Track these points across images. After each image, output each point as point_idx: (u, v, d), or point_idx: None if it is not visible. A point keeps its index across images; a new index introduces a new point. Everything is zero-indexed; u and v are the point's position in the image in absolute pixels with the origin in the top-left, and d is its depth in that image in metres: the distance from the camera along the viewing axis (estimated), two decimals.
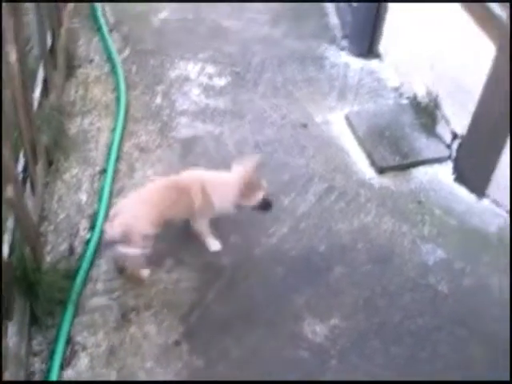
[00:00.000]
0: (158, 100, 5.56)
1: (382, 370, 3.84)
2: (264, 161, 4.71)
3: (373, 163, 5.09)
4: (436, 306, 4.18)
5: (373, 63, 6.13)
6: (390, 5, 5.79)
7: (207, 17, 6.63)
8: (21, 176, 4.00)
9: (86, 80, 5.66)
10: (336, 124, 5.46)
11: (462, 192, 4.93)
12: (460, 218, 4.74)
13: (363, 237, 4.57)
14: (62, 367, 3.68)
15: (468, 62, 4.80)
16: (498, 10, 4.34)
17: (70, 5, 6.21)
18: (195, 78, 5.83)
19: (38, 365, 3.69)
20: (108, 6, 6.57)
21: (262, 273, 4.33)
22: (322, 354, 3.89)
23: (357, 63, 6.13)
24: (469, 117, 4.81)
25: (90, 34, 6.22)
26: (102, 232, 4.24)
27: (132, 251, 3.87)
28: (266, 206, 4.23)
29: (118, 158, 4.92)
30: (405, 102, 5.65)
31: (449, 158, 5.14)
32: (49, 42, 5.00)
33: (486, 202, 4.84)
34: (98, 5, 6.49)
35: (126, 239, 3.84)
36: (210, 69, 5.95)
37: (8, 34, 3.59)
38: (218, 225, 4.36)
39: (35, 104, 4.47)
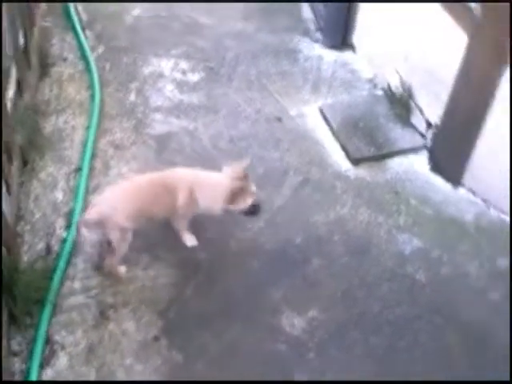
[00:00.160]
0: (132, 97, 5.54)
1: (361, 361, 3.86)
2: (239, 155, 4.71)
3: (348, 155, 5.10)
4: (414, 296, 4.21)
5: (346, 55, 6.16)
6: None
7: (180, 13, 6.62)
8: None
9: (60, 78, 5.63)
10: (310, 117, 5.47)
11: (438, 181, 4.96)
12: (436, 207, 4.77)
13: (340, 228, 4.58)
14: (42, 367, 3.68)
15: (441, 53, 4.84)
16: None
17: (43, 4, 6.21)
18: (169, 74, 5.82)
19: (18, 365, 3.68)
20: (81, 6, 6.53)
21: (239, 267, 4.34)
22: (299, 346, 3.91)
23: (330, 55, 6.15)
24: (443, 106, 4.85)
25: (63, 32, 6.18)
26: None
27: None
28: (254, 211, 4.22)
29: (93, 156, 4.91)
30: (379, 93, 5.68)
31: (424, 147, 5.17)
32: (21, 41, 4.97)
33: (462, 190, 4.88)
34: (71, 4, 6.45)
35: (100, 227, 3.88)
36: (184, 64, 5.95)
37: None
38: (194, 220, 4.35)
39: (9, 104, 4.44)
